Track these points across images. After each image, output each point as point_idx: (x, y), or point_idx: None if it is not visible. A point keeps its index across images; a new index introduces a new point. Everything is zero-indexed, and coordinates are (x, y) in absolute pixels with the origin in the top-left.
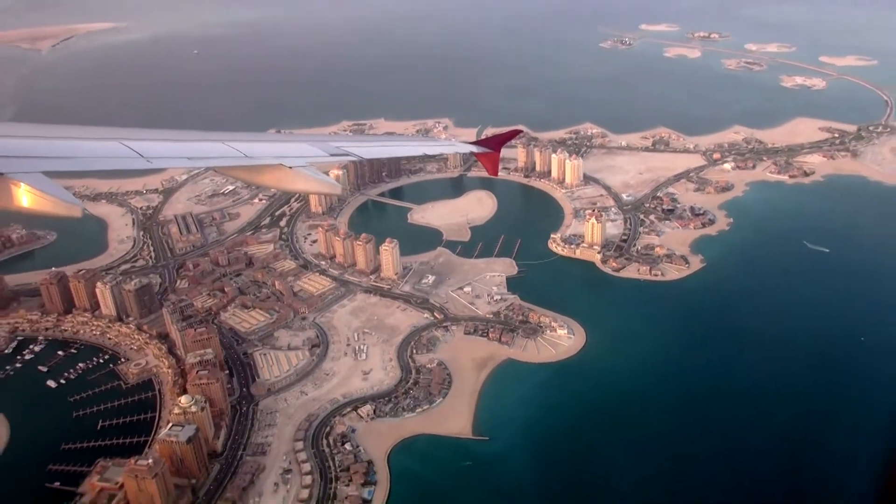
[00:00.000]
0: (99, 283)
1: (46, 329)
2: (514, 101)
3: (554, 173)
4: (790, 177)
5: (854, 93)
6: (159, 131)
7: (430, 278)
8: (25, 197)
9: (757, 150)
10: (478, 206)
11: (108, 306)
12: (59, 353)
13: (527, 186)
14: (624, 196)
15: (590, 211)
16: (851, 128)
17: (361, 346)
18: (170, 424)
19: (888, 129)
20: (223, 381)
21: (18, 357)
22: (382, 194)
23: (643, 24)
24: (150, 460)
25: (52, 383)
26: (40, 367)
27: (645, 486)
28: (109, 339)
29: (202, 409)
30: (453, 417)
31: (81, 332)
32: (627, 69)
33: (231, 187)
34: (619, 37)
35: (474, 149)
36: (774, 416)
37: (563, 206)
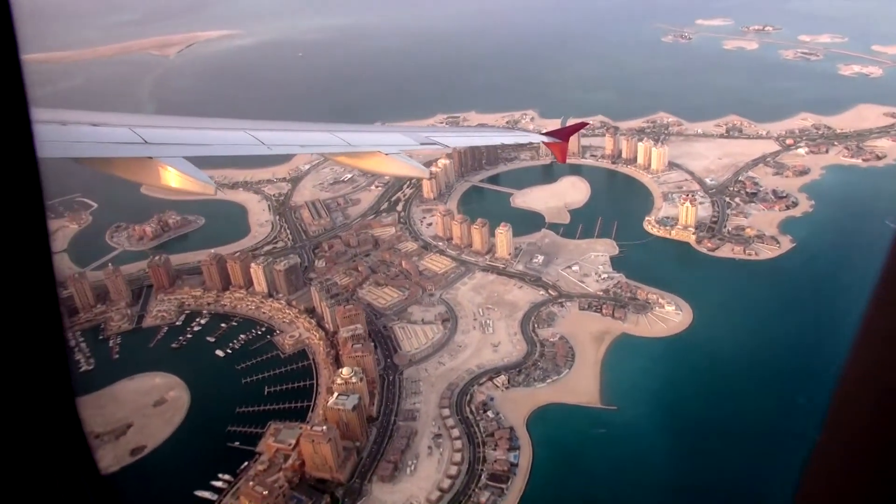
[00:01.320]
0: (252, 264)
1: (208, 304)
2: (588, 93)
3: (640, 160)
4: (863, 160)
5: None
6: (277, 122)
7: (540, 258)
8: (170, 177)
9: (827, 136)
10: (573, 191)
11: (260, 284)
12: (223, 325)
13: (615, 172)
14: (707, 180)
15: (684, 195)
16: None
17: (487, 321)
18: (336, 394)
19: None
20: (374, 353)
21: (188, 329)
22: (483, 181)
23: (698, 20)
24: (325, 427)
25: (220, 353)
26: (208, 338)
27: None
28: (264, 313)
29: (361, 379)
30: (581, 387)
31: (239, 306)
32: (690, 61)
33: (349, 175)
34: (679, 32)
35: (545, 139)
36: None
37: (652, 190)
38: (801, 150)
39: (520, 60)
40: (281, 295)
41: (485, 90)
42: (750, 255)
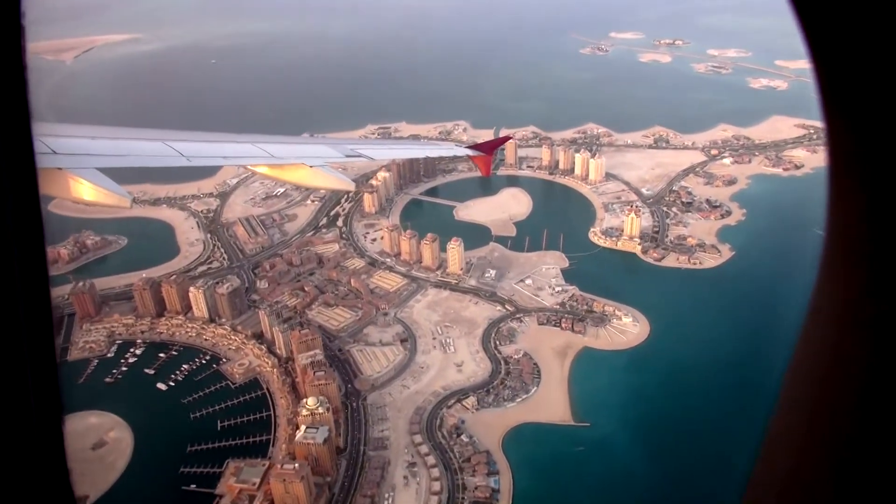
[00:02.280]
0: (192, 288)
1: (142, 332)
2: (517, 103)
3: (577, 171)
4: (784, 169)
5: (813, 92)
6: (197, 133)
7: (492, 272)
8: (83, 189)
9: (748, 146)
10: (515, 203)
11: (200, 309)
12: (161, 355)
13: (553, 183)
14: (644, 190)
15: (628, 206)
16: (821, 124)
17: (447, 340)
18: (303, 427)
19: None
20: (337, 381)
21: (122, 361)
22: (423, 193)
23: (612, 32)
24: (296, 464)
25: (162, 386)
26: (147, 371)
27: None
28: (206, 340)
29: (327, 409)
30: (551, 405)
31: (177, 334)
32: (610, 73)
33: (281, 190)
34: (596, 44)
35: (469, 152)
36: None
37: (592, 201)
38: (727, 161)
39: (447, 70)
40: (224, 320)
41: (415, 100)
42: (695, 263)
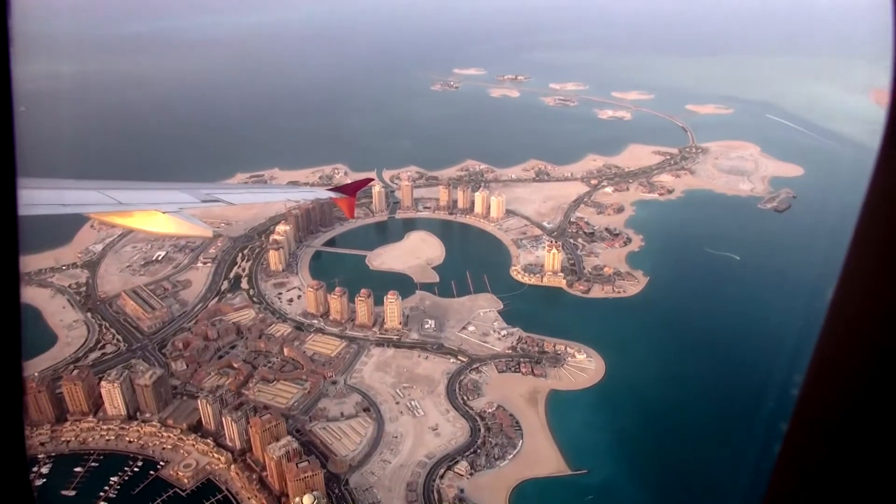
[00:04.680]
0: (104, 382)
1: (43, 444)
2: (390, 142)
3: (477, 209)
4: (659, 194)
5: (654, 121)
6: (35, 180)
7: (431, 322)
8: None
9: (620, 175)
10: (425, 247)
11: (116, 406)
12: (77, 469)
13: (455, 223)
14: (545, 224)
15: (549, 242)
16: (673, 150)
17: (412, 403)
18: None
19: (699, 150)
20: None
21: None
22: (324, 244)
23: (455, 69)
24: None
25: None
26: (64, 492)
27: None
28: (130, 442)
29: None
30: (543, 457)
31: (90, 440)
32: (468, 109)
33: (162, 253)
34: (445, 81)
35: (333, 195)
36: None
37: (501, 238)
38: (608, 189)
39: (308, 111)
40: (149, 415)
41: (284, 143)
42: (619, 292)
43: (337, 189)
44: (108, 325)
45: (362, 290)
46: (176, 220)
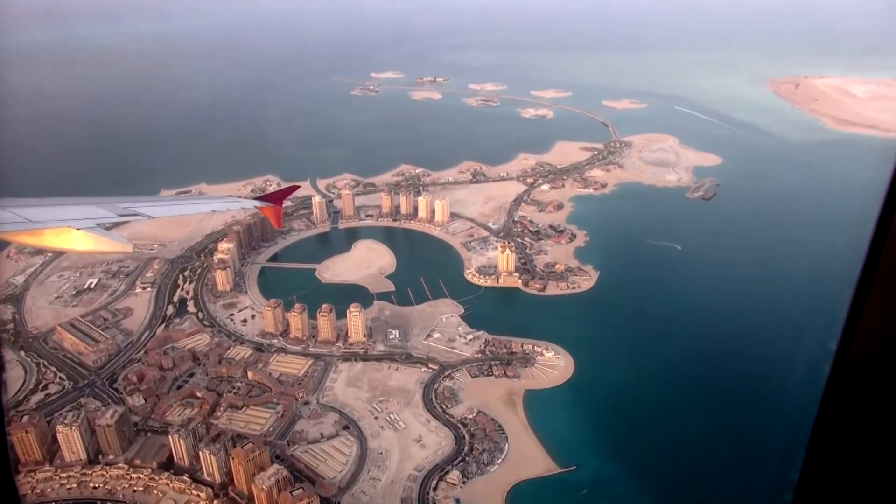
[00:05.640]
0: (59, 426)
1: None
2: (320, 150)
3: (421, 213)
4: (594, 189)
5: (576, 118)
6: None
7: (395, 332)
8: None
9: (553, 172)
10: (375, 256)
11: (74, 451)
12: None
13: (401, 229)
14: (490, 224)
15: (501, 243)
16: (599, 145)
17: (391, 416)
18: None
19: (623, 144)
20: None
21: None
22: (269, 260)
23: (372, 73)
24: None
25: None
26: None
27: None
28: (95, 488)
29: None
30: (531, 458)
31: (48, 490)
32: (392, 113)
33: (94, 280)
34: (364, 85)
35: (258, 203)
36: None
37: (449, 242)
38: (545, 187)
39: (229, 121)
40: (113, 456)
41: (208, 156)
42: (574, 288)
43: (262, 198)
44: (46, 362)
45: (324, 306)
46: (92, 235)
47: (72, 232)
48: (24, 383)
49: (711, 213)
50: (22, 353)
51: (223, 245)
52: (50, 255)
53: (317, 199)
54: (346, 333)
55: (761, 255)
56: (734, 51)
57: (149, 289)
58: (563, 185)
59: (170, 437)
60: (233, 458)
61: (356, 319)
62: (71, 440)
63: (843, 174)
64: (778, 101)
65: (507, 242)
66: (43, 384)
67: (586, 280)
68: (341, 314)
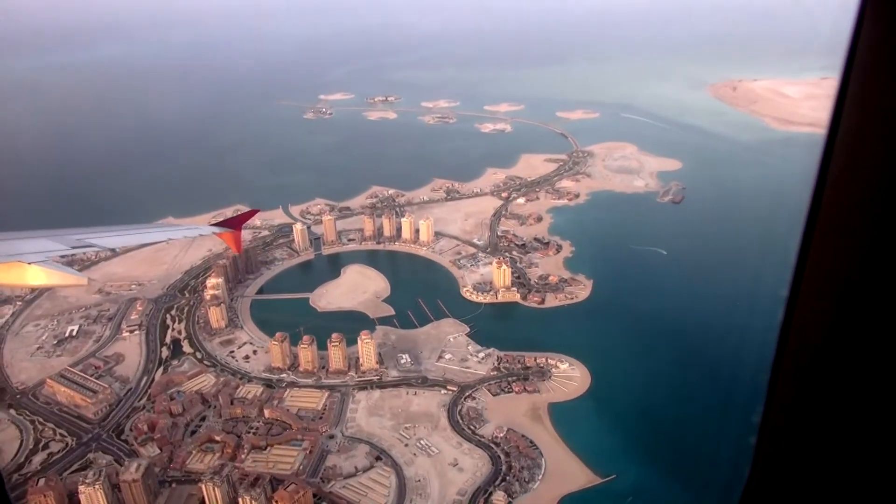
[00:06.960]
0: (82, 486)
1: None
2: (285, 176)
3: (405, 234)
4: (569, 200)
5: (534, 130)
6: None
7: (406, 357)
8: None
9: (525, 184)
10: (368, 281)
11: None
12: None
13: (386, 252)
14: (475, 241)
15: (497, 260)
16: (563, 156)
17: (421, 442)
18: None
19: (586, 154)
20: None
21: None
22: (258, 292)
23: (321, 95)
24: None
25: None
26: None
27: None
28: None
29: None
30: (570, 471)
31: None
32: (350, 135)
33: (73, 327)
34: (314, 108)
35: (217, 230)
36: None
37: (438, 262)
38: (520, 200)
39: (183, 150)
40: None
41: (169, 189)
42: (572, 298)
43: (221, 223)
44: (41, 419)
45: (334, 335)
46: (44, 269)
47: (23, 266)
48: (21, 444)
49: (683, 216)
50: (12, 411)
51: (212, 280)
52: (20, 304)
53: (298, 226)
54: (358, 362)
55: (743, 253)
56: (666, 58)
57: (136, 332)
58: (538, 198)
59: (203, 486)
60: (276, 502)
61: (368, 346)
62: (94, 500)
63: (796, 171)
64: (719, 105)
65: (502, 258)
66: (43, 443)
67: (582, 289)
68: (349, 343)
